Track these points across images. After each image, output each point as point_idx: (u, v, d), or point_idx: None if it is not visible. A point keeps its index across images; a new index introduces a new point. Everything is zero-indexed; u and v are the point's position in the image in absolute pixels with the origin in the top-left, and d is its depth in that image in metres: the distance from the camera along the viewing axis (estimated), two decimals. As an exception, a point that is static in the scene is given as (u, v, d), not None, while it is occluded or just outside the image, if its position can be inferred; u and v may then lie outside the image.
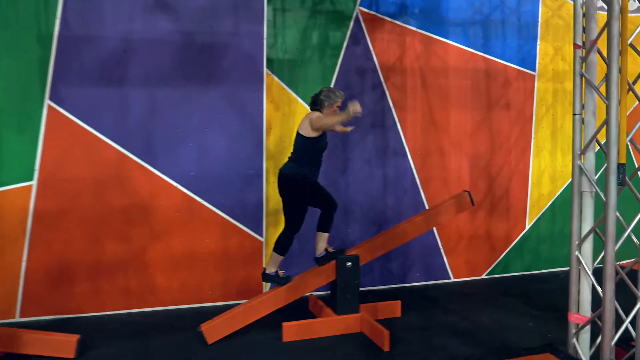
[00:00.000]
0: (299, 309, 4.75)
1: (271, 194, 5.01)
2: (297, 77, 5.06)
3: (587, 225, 3.20)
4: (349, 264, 4.24)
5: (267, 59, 4.94)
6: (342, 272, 4.22)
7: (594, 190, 3.21)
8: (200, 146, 4.77)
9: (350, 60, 5.24)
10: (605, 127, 3.00)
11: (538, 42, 5.87)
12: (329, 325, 4.15)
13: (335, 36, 5.19)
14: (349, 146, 5.28)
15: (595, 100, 3.15)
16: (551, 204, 6.04)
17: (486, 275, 5.86)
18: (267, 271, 4.23)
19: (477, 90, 5.69)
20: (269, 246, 4.90)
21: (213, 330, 3.98)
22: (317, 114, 4.09)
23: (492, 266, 5.87)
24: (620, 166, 2.92)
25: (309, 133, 4.04)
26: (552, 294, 5.23)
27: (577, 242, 3.24)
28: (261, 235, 4.99)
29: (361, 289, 5.33)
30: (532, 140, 5.93)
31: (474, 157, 5.72)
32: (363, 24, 5.26)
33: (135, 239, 4.67)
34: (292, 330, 4.05)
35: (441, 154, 5.61)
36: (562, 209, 6.05)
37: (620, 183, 2.92)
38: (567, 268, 3.44)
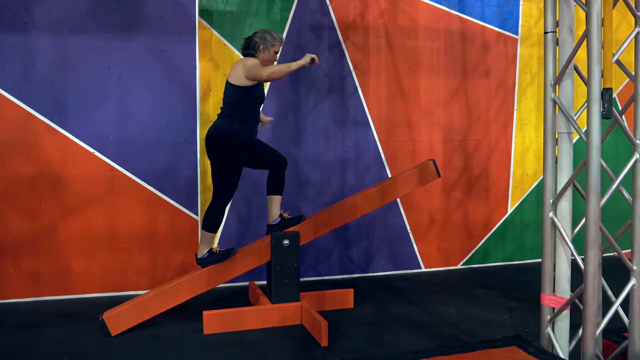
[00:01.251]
0: (239, 299, 4.08)
1: (208, 166, 4.33)
2: (241, 32, 4.39)
3: (564, 177, 2.51)
4: (286, 242, 3.54)
5: (206, 10, 4.28)
6: (278, 252, 3.53)
7: (573, 130, 2.51)
8: (121, 106, 4.09)
9: (304, 15, 4.57)
10: (584, 43, 2.31)
11: (521, 2, 5.20)
12: (261, 315, 3.45)
13: (286, -13, 4.54)
14: (302, 114, 4.60)
15: (573, 13, 2.47)
16: (537, 186, 5.34)
17: (462, 265, 5.15)
18: (199, 255, 3.50)
19: (451, 54, 5.02)
20: (204, 226, 4.21)
21: (117, 320, 3.29)
22: (252, 60, 3.35)
23: (469, 255, 5.17)
24: (605, 92, 2.24)
25: (242, 82, 3.32)
26: (536, 286, 4.50)
27: (551, 200, 2.54)
28: (196, 214, 4.30)
29: (316, 278, 4.69)
30: (515, 112, 5.24)
31: (448, 130, 5.04)
32: (319, -25, 4.60)
33: (44, 215, 3.99)
34: (214, 321, 3.35)
35: (409, 125, 4.93)
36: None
37: (606, 115, 2.24)
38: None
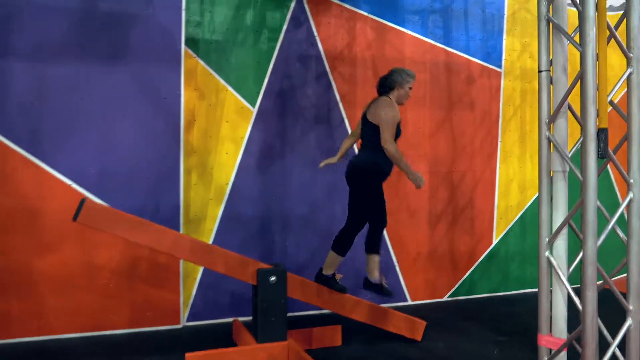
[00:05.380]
0: (223, 338, 3.93)
1: (192, 198, 4.21)
2: (227, 62, 4.33)
3: (560, 215, 2.48)
4: (272, 278, 3.43)
5: (192, 39, 4.21)
6: (265, 289, 3.41)
7: (568, 168, 2.50)
8: (103, 137, 3.96)
9: (291, 45, 4.54)
10: (579, 84, 2.31)
11: (504, 37, 5.29)
12: (247, 355, 3.31)
13: (273, 17, 4.50)
14: (288, 145, 4.53)
15: (567, 52, 2.47)
16: (520, 217, 5.36)
17: (448, 297, 5.10)
18: (324, 272, 3.71)
19: (437, 86, 5.04)
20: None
21: (93, 213, 3.08)
22: (391, 112, 3.51)
23: (455, 287, 5.12)
24: (600, 132, 2.23)
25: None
26: (523, 318, 4.50)
27: (547, 239, 2.51)
28: (178, 247, 4.15)
29: (300, 313, 4.56)
30: (499, 144, 5.28)
31: (433, 162, 5.03)
32: (306, 5, 4.59)
33: (18, 251, 3.79)
34: (198, 363, 3.20)
35: (396, 157, 4.89)
36: (532, 222, 5.37)
37: (602, 155, 2.23)
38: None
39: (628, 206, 2.41)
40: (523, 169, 5.36)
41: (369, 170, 3.54)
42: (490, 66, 5.23)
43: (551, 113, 2.50)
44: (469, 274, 5.16)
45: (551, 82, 2.51)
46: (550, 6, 2.47)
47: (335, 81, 4.68)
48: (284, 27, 4.52)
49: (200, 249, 3.37)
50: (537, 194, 5.37)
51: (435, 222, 5.03)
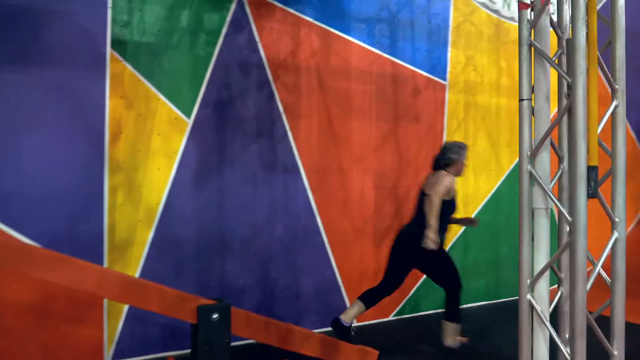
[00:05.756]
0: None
1: (118, 221, 3.73)
2: (159, 67, 3.88)
3: (543, 256, 2.32)
4: (215, 316, 3.06)
5: (119, 41, 3.71)
6: (206, 328, 3.03)
7: (551, 205, 2.33)
8: (11, 153, 3.39)
9: (231, 51, 4.16)
10: (564, 117, 2.15)
11: (449, 49, 5.19)
12: (186, 407, 2.92)
13: (211, 19, 4.10)
14: (227, 160, 4.15)
15: (549, 80, 2.31)
16: (463, 232, 5.30)
17: (394, 316, 4.93)
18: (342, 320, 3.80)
19: (383, 97, 4.84)
20: (112, 291, 3.58)
21: None
22: (445, 182, 3.74)
23: (401, 305, 4.97)
24: (591, 170, 2.08)
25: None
26: (470, 335, 4.41)
27: (528, 281, 2.34)
28: (102, 277, 3.66)
29: (244, 342, 4.20)
30: (443, 158, 5.17)
31: (379, 176, 4.84)
32: (248, 8, 4.22)
33: None
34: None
35: (341, 171, 4.65)
36: (474, 236, 5.34)
37: (592, 194, 2.08)
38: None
39: (613, 246, 2.29)
40: (466, 183, 5.30)
41: (420, 240, 3.71)
42: (436, 78, 5.12)
43: (532, 146, 2.33)
44: (414, 291, 5.03)
45: (532, 112, 2.34)
46: (532, 30, 2.29)
47: (278, 91, 4.35)
48: (223, 31, 4.13)
49: (131, 286, 2.93)
50: (478, 208, 5.36)
51: (380, 239, 4.84)
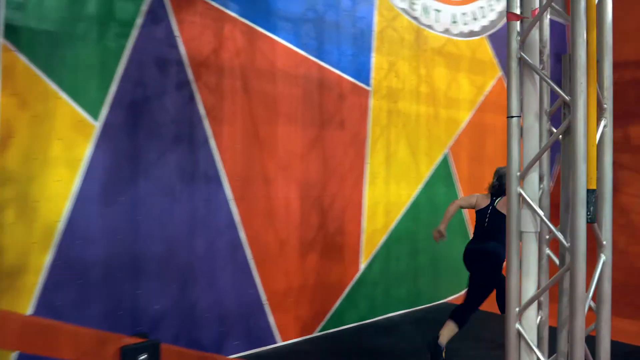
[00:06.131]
0: None
1: (7, 244, 3.09)
2: (60, 60, 3.28)
3: (531, 282, 2.20)
4: (143, 357, 2.61)
5: (11, 27, 3.06)
6: (131, 374, 2.58)
7: (539, 229, 2.23)
8: None
9: (146, 45, 3.66)
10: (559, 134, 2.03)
11: (373, 54, 5.08)
12: None
13: (125, 8, 3.56)
14: (140, 169, 3.65)
15: (539, 95, 2.19)
16: (386, 240, 5.24)
17: (318, 331, 4.72)
18: (439, 340, 3.83)
19: (309, 102, 4.60)
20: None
21: None
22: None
23: (325, 320, 4.77)
24: (590, 194, 2.00)
25: None
26: (396, 346, 4.34)
27: (517, 310, 2.21)
28: (-13, 313, 3.00)
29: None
30: (367, 166, 5.07)
31: (304, 185, 4.59)
32: (166, -2, 3.74)
33: None
34: None
35: (266, 180, 4.34)
36: (396, 244, 5.30)
37: (591, 219, 2.00)
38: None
39: (602, 270, 2.23)
40: (388, 191, 5.24)
41: (502, 258, 3.80)
42: (360, 84, 4.98)
43: (521, 167, 2.20)
44: (337, 305, 4.86)
45: (520, 131, 2.20)
46: (523, 43, 2.14)
47: (200, 92, 3.93)
48: (138, 22, 3.62)
49: (36, 330, 2.39)
50: (399, 215, 5.33)
51: (305, 252, 4.60)
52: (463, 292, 5.85)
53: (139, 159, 3.63)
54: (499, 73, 6.42)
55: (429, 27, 5.61)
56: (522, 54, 2.09)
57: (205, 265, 3.97)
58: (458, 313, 3.90)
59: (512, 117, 2.13)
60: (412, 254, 5.47)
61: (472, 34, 6.10)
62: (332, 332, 4.76)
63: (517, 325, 2.17)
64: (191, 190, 3.90)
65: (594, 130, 2.06)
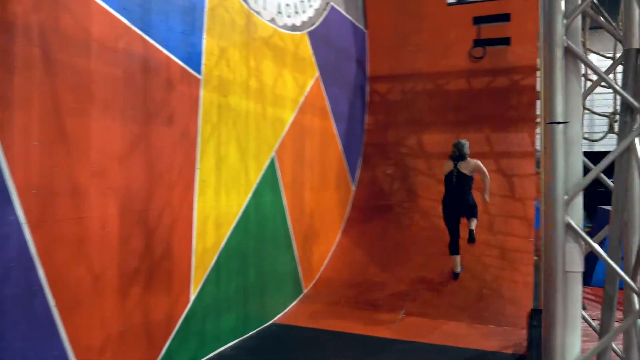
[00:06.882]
0: None
1: None
2: None
3: (576, 337, 1.71)
4: None
5: None
6: None
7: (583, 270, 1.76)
8: None
9: None
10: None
11: (204, 36, 4.17)
12: None
13: None
14: None
15: (580, 94, 1.70)
16: (216, 260, 4.38)
17: (146, 384, 3.61)
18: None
19: (131, 87, 3.48)
20: None
21: None
22: (478, 162, 5.71)
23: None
24: None
25: (470, 174, 5.70)
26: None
27: None
28: None
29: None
30: (197, 171, 4.14)
31: (126, 197, 3.45)
32: None
33: None
34: None
35: (75, 193, 3.09)
36: (226, 263, 4.48)
37: None
38: None
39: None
40: (218, 201, 4.40)
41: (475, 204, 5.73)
42: (191, 70, 4.03)
43: (566, 188, 1.69)
44: (166, 347, 3.82)
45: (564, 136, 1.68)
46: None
47: (-26, 58, 2.51)
48: None
49: None
50: (229, 230, 4.53)
51: (128, 286, 3.46)
52: (287, 309, 5.37)
53: None
54: (317, 73, 6.14)
55: (258, 13, 4.94)
56: (569, 42, 1.62)
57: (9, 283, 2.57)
58: (455, 247, 5.69)
59: (555, 123, 1.64)
60: (242, 272, 4.73)
61: (294, 28, 5.65)
62: (161, 383, 3.72)
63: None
64: (-42, 211, 2.45)
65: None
